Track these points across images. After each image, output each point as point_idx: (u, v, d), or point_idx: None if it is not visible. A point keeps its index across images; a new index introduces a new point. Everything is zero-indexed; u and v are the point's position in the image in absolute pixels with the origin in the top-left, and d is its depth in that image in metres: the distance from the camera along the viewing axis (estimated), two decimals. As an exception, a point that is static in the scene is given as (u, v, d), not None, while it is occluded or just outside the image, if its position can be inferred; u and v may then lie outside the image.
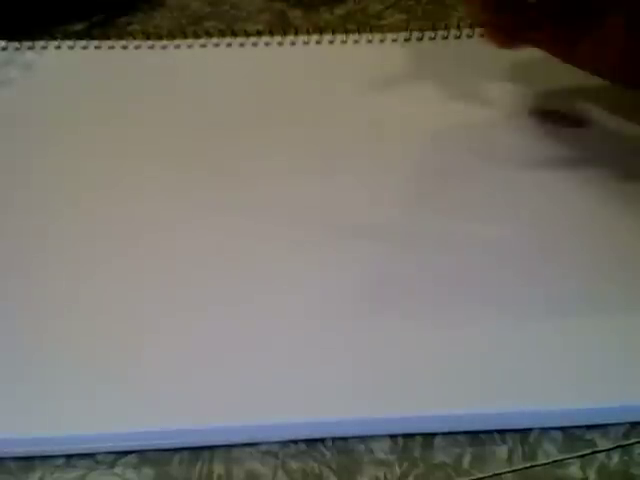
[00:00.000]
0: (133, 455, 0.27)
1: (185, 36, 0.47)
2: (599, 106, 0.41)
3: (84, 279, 0.32)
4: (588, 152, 0.38)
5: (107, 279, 0.32)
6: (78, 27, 0.48)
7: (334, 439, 0.28)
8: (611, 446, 0.28)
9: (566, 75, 0.42)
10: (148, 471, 0.27)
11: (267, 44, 0.46)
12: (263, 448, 0.28)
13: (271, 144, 0.39)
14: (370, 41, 0.46)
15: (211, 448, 0.27)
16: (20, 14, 0.47)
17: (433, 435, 0.28)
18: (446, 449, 0.28)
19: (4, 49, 0.45)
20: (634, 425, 0.28)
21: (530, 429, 0.28)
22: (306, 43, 0.46)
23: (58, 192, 0.36)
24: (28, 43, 0.46)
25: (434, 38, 0.46)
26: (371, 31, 0.47)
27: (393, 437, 0.28)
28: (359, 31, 0.47)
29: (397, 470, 0.27)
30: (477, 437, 0.28)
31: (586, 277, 0.32)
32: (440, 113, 0.40)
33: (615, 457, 0.27)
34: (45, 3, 0.48)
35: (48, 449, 0.27)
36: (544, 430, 0.28)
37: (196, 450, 0.27)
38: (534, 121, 0.40)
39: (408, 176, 0.37)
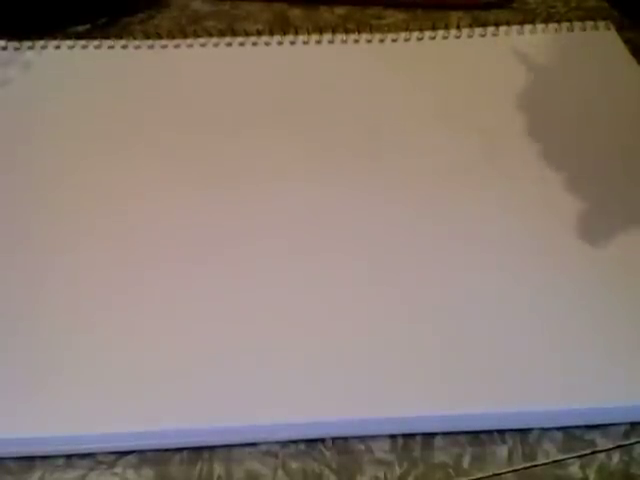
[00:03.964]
0: (133, 455, 0.27)
1: (185, 36, 0.47)
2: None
3: (84, 279, 0.32)
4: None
5: (107, 279, 0.32)
6: (81, 29, 0.48)
7: (334, 439, 0.28)
8: (611, 446, 0.28)
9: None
10: (148, 471, 0.27)
11: (267, 44, 0.46)
12: (263, 448, 0.28)
13: (270, 144, 0.39)
14: (370, 41, 0.46)
15: (211, 448, 0.27)
16: (22, 15, 0.47)
17: (433, 435, 0.28)
18: (446, 449, 0.28)
19: (4, 49, 0.45)
20: (634, 425, 0.28)
21: (530, 429, 0.28)
22: (306, 43, 0.46)
23: (58, 191, 0.36)
24: (28, 43, 0.46)
25: (434, 38, 0.46)
26: (371, 31, 0.47)
27: (393, 437, 0.28)
28: (359, 31, 0.47)
29: (397, 470, 0.27)
30: (477, 437, 0.28)
31: (584, 277, 0.32)
32: (440, 114, 0.40)
33: (615, 457, 0.27)
34: (48, 6, 0.48)
35: (48, 449, 0.27)
36: (544, 430, 0.28)
37: (196, 450, 0.27)
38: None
39: (407, 175, 0.37)
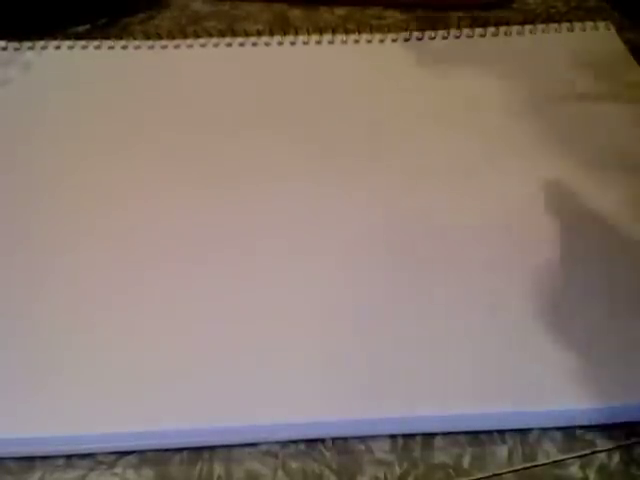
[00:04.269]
0: (133, 455, 0.27)
1: (185, 36, 0.47)
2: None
3: (84, 279, 0.32)
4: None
5: (108, 278, 0.32)
6: (81, 29, 0.48)
7: (334, 439, 0.28)
8: (611, 446, 0.28)
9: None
10: (148, 471, 0.27)
11: (267, 44, 0.46)
12: (263, 448, 0.28)
13: (270, 144, 0.39)
14: (370, 41, 0.46)
15: (211, 448, 0.27)
16: (22, 15, 0.47)
17: (433, 435, 0.28)
18: (446, 449, 0.28)
19: (4, 49, 0.45)
20: (634, 425, 0.28)
21: (530, 429, 0.28)
22: (306, 43, 0.46)
23: (58, 191, 0.36)
24: (28, 43, 0.46)
25: (434, 38, 0.46)
26: (371, 31, 0.47)
27: (393, 437, 0.28)
28: (359, 31, 0.47)
29: (397, 470, 0.27)
30: (477, 437, 0.28)
31: (584, 278, 0.32)
32: (440, 114, 0.40)
33: (615, 457, 0.27)
34: (48, 6, 0.48)
35: (48, 449, 0.27)
36: (544, 430, 0.28)
37: (196, 450, 0.27)
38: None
39: (406, 176, 0.37)
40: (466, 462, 0.27)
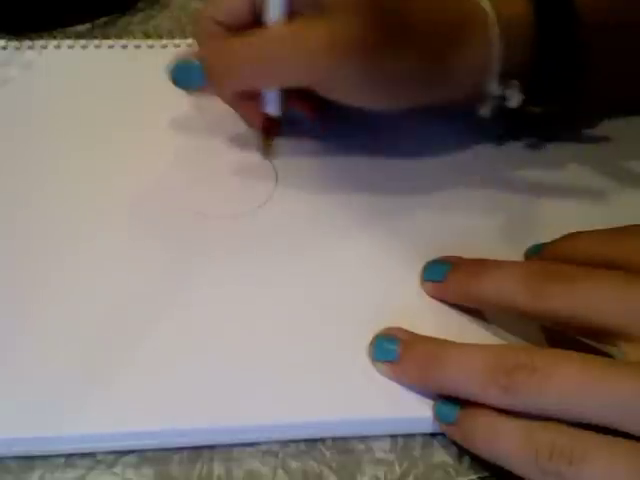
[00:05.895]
0: (133, 455, 0.27)
1: (185, 36, 0.47)
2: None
3: (83, 281, 0.32)
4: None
5: (106, 280, 0.32)
6: (81, 29, 0.48)
7: (334, 439, 0.28)
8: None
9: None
10: (148, 471, 0.27)
11: (267, 44, 0.46)
12: (263, 448, 0.28)
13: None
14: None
15: (211, 448, 0.27)
16: (22, 15, 0.47)
17: (433, 435, 0.28)
18: (446, 449, 0.28)
19: (4, 48, 0.45)
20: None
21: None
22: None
23: (57, 192, 0.36)
24: (28, 42, 0.46)
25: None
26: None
27: (393, 437, 0.28)
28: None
29: (397, 470, 0.27)
30: (477, 437, 0.28)
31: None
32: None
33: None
34: (48, 5, 0.48)
35: (48, 449, 0.27)
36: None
37: (196, 450, 0.27)
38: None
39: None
40: (466, 462, 0.27)
